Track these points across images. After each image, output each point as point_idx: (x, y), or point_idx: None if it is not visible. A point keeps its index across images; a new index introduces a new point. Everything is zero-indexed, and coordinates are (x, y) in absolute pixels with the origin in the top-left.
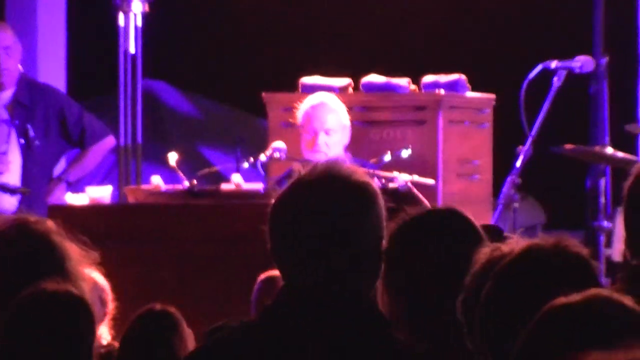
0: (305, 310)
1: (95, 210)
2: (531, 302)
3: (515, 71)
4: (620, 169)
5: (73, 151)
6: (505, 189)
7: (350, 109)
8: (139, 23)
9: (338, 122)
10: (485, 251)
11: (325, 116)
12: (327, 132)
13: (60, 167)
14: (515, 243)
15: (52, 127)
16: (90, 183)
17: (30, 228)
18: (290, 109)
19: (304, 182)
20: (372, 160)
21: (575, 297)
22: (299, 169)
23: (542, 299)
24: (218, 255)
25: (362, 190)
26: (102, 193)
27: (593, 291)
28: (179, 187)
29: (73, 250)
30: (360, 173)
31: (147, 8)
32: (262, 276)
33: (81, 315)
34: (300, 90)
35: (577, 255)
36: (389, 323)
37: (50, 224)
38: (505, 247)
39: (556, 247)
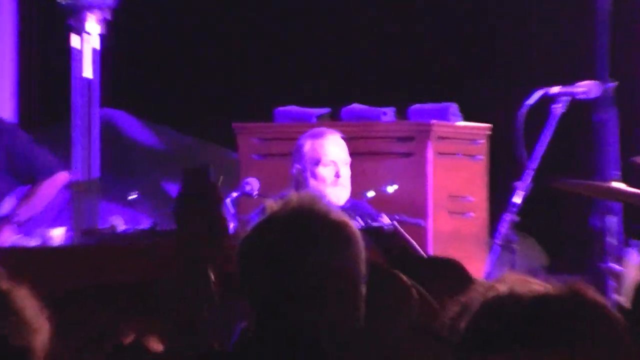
0: (277, 354)
1: (47, 253)
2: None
3: (512, 98)
4: (630, 206)
5: (22, 188)
6: (502, 228)
7: None
8: (97, 45)
9: (344, 156)
10: (478, 291)
11: (343, 148)
12: (346, 164)
13: (8, 205)
14: (512, 282)
15: None
16: (41, 223)
17: None
18: (263, 140)
19: (275, 220)
20: (354, 197)
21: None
22: (271, 206)
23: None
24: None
25: (339, 230)
26: (54, 234)
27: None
28: (140, 227)
29: (25, 298)
30: (337, 211)
31: (104, 30)
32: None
33: None
34: (274, 119)
35: (597, 306)
36: None
37: None
38: (501, 286)
39: (573, 296)
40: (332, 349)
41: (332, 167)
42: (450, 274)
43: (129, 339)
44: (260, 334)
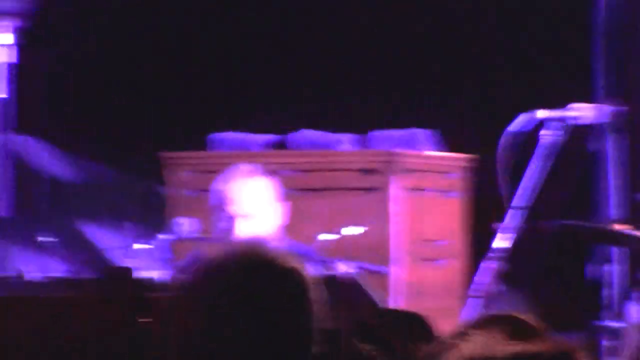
0: None
1: None
2: None
3: (494, 125)
4: (631, 251)
5: None
6: (479, 278)
7: (275, 173)
8: (11, 58)
9: (262, 202)
10: (435, 351)
11: (243, 196)
12: (247, 216)
13: None
14: (475, 341)
15: None
16: None
17: None
18: (196, 173)
19: (217, 270)
20: (305, 240)
21: None
22: (209, 251)
23: None
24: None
25: (290, 279)
26: None
27: None
28: (53, 275)
29: None
30: (289, 257)
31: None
32: None
33: None
34: (208, 148)
35: None
36: None
37: None
38: (465, 348)
39: (562, 358)
40: None
41: (227, 220)
42: (413, 329)
43: None
44: None
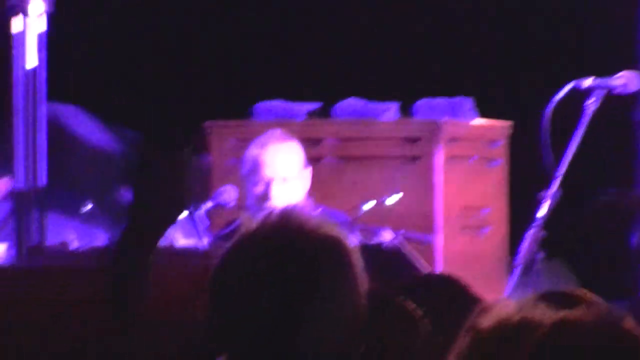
0: None
1: None
2: None
3: (536, 94)
4: None
5: None
6: (524, 247)
7: (319, 142)
8: (42, 28)
9: (295, 166)
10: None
11: (278, 161)
12: (282, 180)
13: None
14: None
15: None
16: None
17: None
18: (240, 141)
19: (252, 238)
20: (349, 209)
21: None
22: (248, 220)
23: None
24: (141, 330)
25: (330, 248)
26: None
27: None
28: (96, 244)
29: None
30: (329, 225)
31: (51, 8)
32: None
33: None
34: (253, 117)
35: (635, 340)
36: None
37: None
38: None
39: (606, 327)
40: None
41: (262, 183)
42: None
43: None
44: None
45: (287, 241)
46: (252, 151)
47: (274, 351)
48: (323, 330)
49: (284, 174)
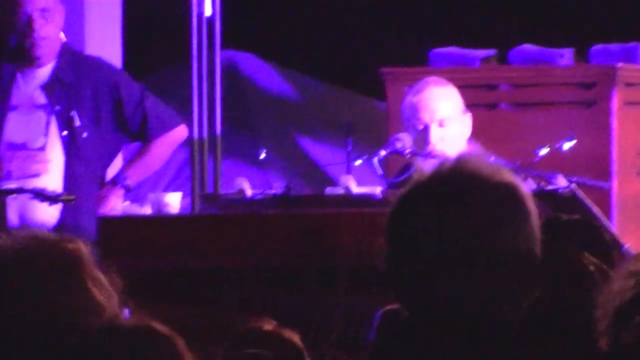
0: (437, 349)
1: (160, 223)
2: None
3: None
4: None
5: (132, 145)
6: None
7: (494, 87)
8: None
9: (454, 110)
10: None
11: (436, 104)
12: (440, 124)
13: (115, 166)
14: None
15: (105, 114)
16: (154, 188)
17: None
18: None
19: (428, 185)
20: (524, 155)
21: None
22: (420, 168)
23: None
24: (321, 276)
25: (506, 194)
26: (169, 201)
27: None
28: (270, 192)
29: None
30: (505, 172)
31: None
32: (383, 310)
33: None
34: (429, 63)
35: None
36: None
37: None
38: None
39: None
40: (498, 333)
41: (419, 126)
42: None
43: (268, 326)
44: (412, 314)
45: (462, 188)
46: (410, 97)
47: (447, 294)
48: (500, 277)
49: (440, 117)
